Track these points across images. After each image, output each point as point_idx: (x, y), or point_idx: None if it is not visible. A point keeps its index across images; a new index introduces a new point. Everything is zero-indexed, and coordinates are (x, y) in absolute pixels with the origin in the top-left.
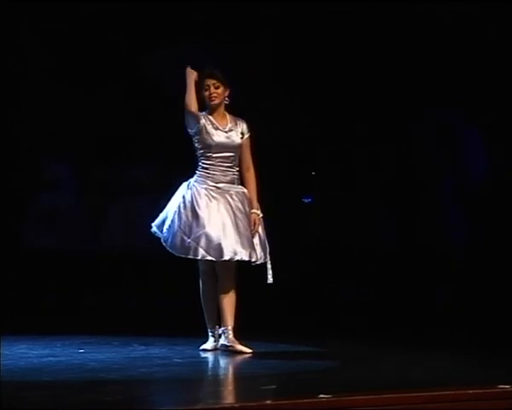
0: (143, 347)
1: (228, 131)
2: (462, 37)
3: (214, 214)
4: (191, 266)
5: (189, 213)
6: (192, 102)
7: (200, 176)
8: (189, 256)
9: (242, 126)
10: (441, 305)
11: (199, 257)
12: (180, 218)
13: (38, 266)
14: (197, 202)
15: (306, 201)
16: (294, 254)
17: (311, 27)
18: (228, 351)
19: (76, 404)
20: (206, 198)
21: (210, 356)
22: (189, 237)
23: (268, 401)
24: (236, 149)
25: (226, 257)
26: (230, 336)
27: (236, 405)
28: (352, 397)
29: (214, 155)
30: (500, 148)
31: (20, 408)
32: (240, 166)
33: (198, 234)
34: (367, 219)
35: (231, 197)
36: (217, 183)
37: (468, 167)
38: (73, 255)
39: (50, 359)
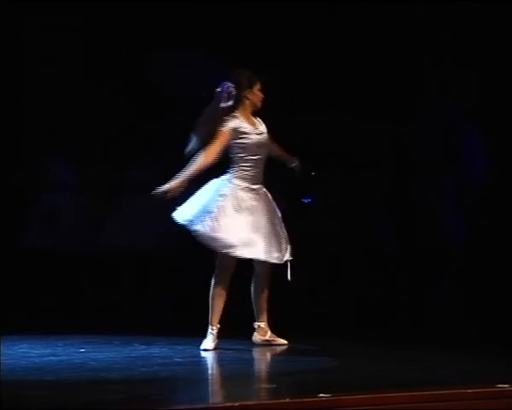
0: (144, 346)
1: (260, 134)
2: (462, 36)
3: (253, 215)
4: (191, 264)
5: (230, 211)
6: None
7: (238, 177)
8: (226, 251)
9: (263, 125)
10: (440, 304)
11: (237, 254)
12: (220, 213)
13: (39, 265)
14: (239, 201)
15: (306, 201)
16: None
17: (306, 27)
18: (269, 345)
19: (77, 403)
20: (248, 198)
21: (210, 355)
22: (227, 234)
23: (268, 401)
24: (267, 148)
25: (264, 258)
26: (269, 331)
27: (236, 404)
28: (352, 396)
29: (252, 157)
30: (500, 147)
31: (22, 408)
32: (278, 158)
33: (239, 233)
34: (367, 219)
35: (266, 198)
36: (253, 184)
37: (467, 167)
38: (74, 255)
39: (52, 358)
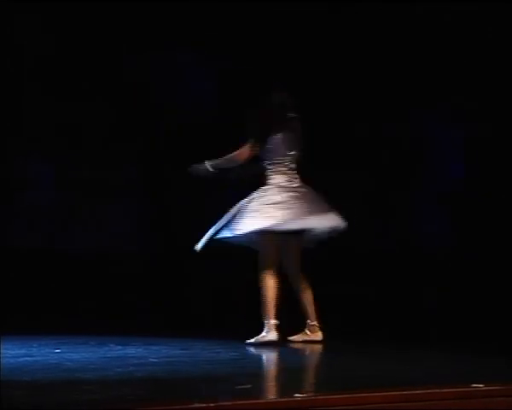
0: (120, 347)
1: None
2: (439, 39)
3: (289, 201)
4: (163, 268)
5: (261, 200)
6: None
7: (270, 180)
8: (269, 227)
9: None
10: (428, 305)
11: (282, 228)
12: (251, 209)
13: (12, 265)
14: (269, 193)
15: None
16: None
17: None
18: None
19: (53, 404)
20: (279, 191)
21: (187, 356)
22: (261, 213)
23: (244, 401)
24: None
25: (309, 225)
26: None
27: (212, 404)
28: (328, 396)
29: (283, 160)
30: (478, 150)
31: None
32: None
33: (273, 215)
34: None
35: (298, 188)
36: (287, 181)
37: (445, 170)
38: (48, 255)
39: (27, 359)
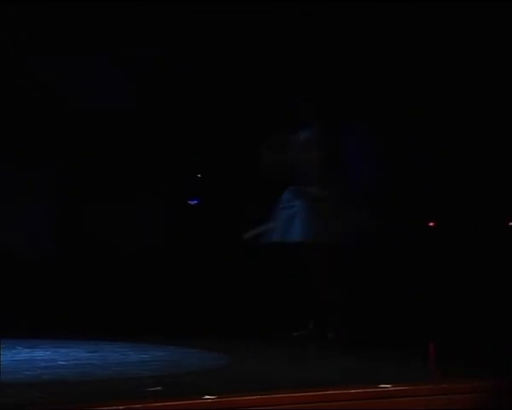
0: (28, 350)
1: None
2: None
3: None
4: (69, 269)
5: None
6: None
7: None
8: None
9: None
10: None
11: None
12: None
13: None
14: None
15: (192, 203)
16: None
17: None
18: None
19: None
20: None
21: (96, 358)
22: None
23: (154, 403)
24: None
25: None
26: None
27: (121, 407)
28: (237, 398)
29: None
30: (389, 152)
31: None
32: None
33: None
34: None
35: None
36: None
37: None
38: None
39: None
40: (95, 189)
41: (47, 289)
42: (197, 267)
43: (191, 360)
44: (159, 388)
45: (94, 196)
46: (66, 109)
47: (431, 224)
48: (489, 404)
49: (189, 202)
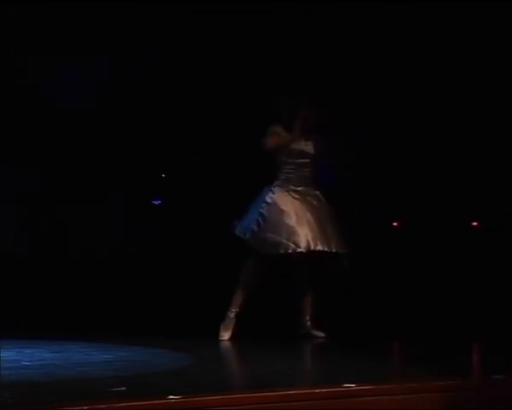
0: None
1: (305, 140)
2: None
3: (298, 211)
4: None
5: (275, 213)
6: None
7: (282, 181)
8: (280, 252)
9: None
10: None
11: (289, 251)
12: (265, 219)
13: None
14: (281, 201)
15: (156, 203)
16: None
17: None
18: (310, 337)
19: None
20: (290, 198)
21: (59, 358)
22: (277, 235)
23: (118, 404)
24: (312, 157)
25: (316, 248)
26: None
27: (85, 407)
28: (201, 398)
29: (296, 162)
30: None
31: None
32: None
33: (286, 230)
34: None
35: (310, 198)
36: (297, 186)
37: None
38: None
39: None
40: (67, 189)
41: (9, 289)
42: (160, 268)
43: (155, 360)
44: (123, 388)
45: (66, 197)
46: (39, 109)
47: (395, 224)
48: (456, 404)
49: (153, 202)
